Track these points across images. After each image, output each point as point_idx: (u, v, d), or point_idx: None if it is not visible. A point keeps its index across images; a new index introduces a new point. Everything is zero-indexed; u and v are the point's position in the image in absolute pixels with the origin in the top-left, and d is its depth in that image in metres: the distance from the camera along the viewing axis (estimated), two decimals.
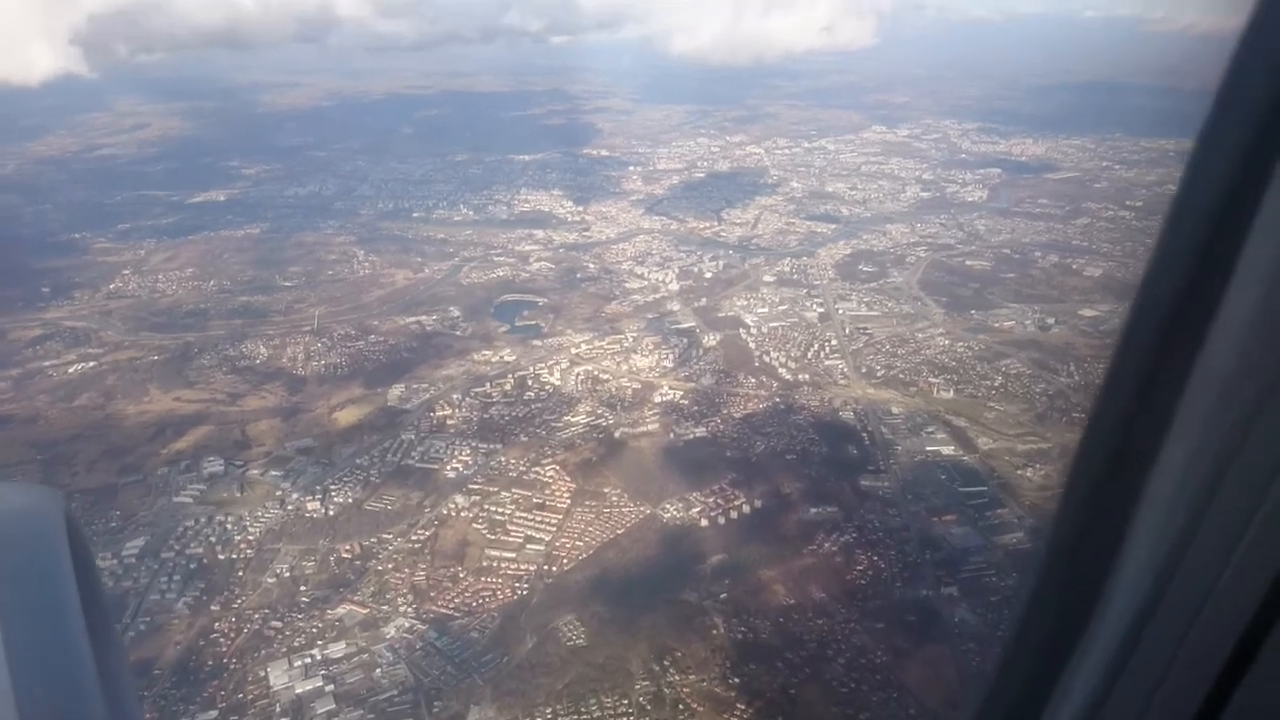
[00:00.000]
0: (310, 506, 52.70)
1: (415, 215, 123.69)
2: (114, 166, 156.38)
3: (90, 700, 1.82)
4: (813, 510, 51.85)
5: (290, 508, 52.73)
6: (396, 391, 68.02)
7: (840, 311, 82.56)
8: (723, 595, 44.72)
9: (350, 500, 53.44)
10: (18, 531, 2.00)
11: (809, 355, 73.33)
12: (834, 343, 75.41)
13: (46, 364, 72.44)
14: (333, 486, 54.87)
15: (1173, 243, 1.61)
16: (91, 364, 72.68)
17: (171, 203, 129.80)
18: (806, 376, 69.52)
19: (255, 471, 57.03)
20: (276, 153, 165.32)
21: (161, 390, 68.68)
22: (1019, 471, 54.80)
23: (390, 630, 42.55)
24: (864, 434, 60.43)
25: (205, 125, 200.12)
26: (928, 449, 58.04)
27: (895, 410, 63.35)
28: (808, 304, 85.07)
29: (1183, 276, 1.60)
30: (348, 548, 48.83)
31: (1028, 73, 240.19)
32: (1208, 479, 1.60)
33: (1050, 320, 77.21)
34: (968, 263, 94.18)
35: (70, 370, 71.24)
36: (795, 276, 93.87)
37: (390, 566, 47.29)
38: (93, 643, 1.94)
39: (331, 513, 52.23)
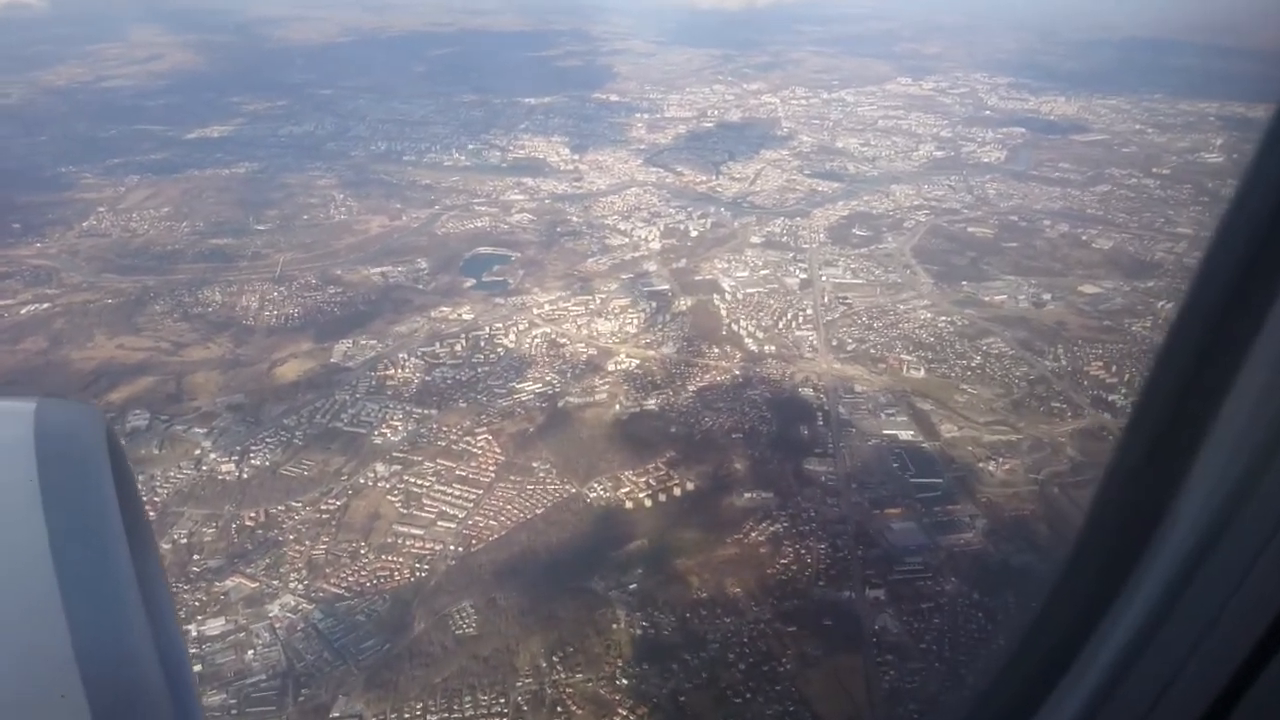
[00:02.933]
0: (225, 468, 50.55)
1: (406, 159, 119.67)
2: (117, 99, 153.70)
3: (133, 608, 1.96)
4: (746, 495, 48.53)
5: (205, 468, 50.66)
6: (343, 348, 65.38)
7: (823, 278, 77.79)
8: (632, 586, 41.88)
9: (267, 463, 51.18)
10: (64, 445, 2.15)
11: (780, 325, 69.11)
12: (809, 312, 71.01)
13: (1, 304, 70.91)
14: (254, 447, 52.61)
15: (1224, 249, 1.67)
16: (45, 305, 70.91)
17: (166, 138, 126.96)
18: (772, 348, 65.47)
19: (179, 428, 54.98)
20: (281, 89, 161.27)
21: (107, 337, 66.79)
22: (981, 464, 50.71)
23: (274, 608, 40.44)
24: (819, 413, 56.57)
25: (216, 59, 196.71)
26: (884, 433, 54.07)
27: (858, 388, 59.25)
28: (791, 269, 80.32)
29: (1230, 285, 1.66)
30: (253, 515, 46.65)
31: (1069, 25, 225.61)
32: (1240, 485, 1.68)
33: (1046, 296, 71.79)
34: (969, 229, 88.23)
35: (22, 312, 69.64)
36: (784, 238, 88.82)
37: (291, 538, 45.06)
38: (133, 553, 2.10)
39: (245, 476, 50.03)
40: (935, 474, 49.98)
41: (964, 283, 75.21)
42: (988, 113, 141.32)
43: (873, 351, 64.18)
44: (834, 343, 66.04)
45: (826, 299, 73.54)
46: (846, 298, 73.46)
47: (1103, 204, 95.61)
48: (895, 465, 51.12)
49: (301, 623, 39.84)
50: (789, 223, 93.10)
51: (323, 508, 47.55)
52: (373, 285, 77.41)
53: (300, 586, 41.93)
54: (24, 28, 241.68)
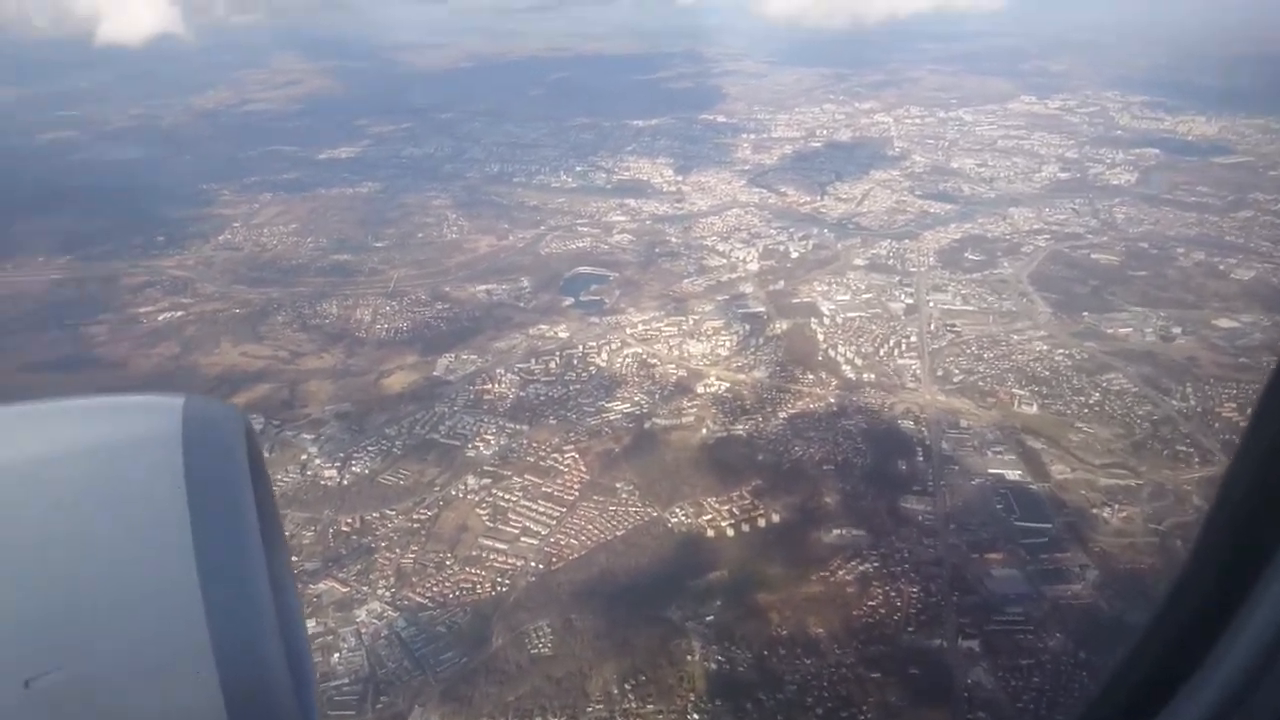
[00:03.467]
0: (327, 474, 53.16)
1: (516, 180, 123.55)
2: (257, 121, 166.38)
3: (263, 596, 2.11)
4: (836, 531, 46.77)
5: (309, 473, 53.40)
6: (445, 362, 67.72)
7: (930, 304, 74.70)
8: (709, 617, 41.02)
9: (367, 471, 53.49)
10: (208, 439, 2.27)
11: (881, 352, 66.70)
12: (913, 339, 68.23)
13: (142, 310, 77.59)
14: (356, 455, 55.13)
15: None
16: (180, 314, 77.12)
17: (298, 158, 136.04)
18: (871, 376, 63.21)
19: (289, 433, 58.27)
20: (406, 113, 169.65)
21: (232, 344, 71.82)
22: (1095, 510, 47.04)
23: (362, 614, 41.98)
24: (919, 448, 54.02)
25: (348, 84, 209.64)
26: (990, 471, 51.04)
27: (964, 423, 56.29)
28: (896, 293, 77.57)
29: None
30: (349, 520, 48.77)
31: (1211, 41, 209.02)
32: None
33: (1176, 330, 66.27)
34: (1093, 256, 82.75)
35: (160, 319, 75.95)
36: (890, 261, 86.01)
37: (383, 545, 46.78)
38: (265, 544, 2.22)
39: (346, 482, 52.45)
40: (1043, 518, 46.70)
41: (1085, 313, 70.43)
42: (1119, 132, 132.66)
43: (981, 384, 60.92)
44: (939, 373, 63.12)
45: (933, 326, 70.52)
46: (955, 325, 70.17)
47: (1244, 231, 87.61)
48: (999, 507, 48.12)
49: (386, 630, 41.15)
50: (896, 245, 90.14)
51: (415, 517, 49.16)
52: (477, 302, 79.99)
53: (388, 594, 43.39)
54: (181, 57, 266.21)
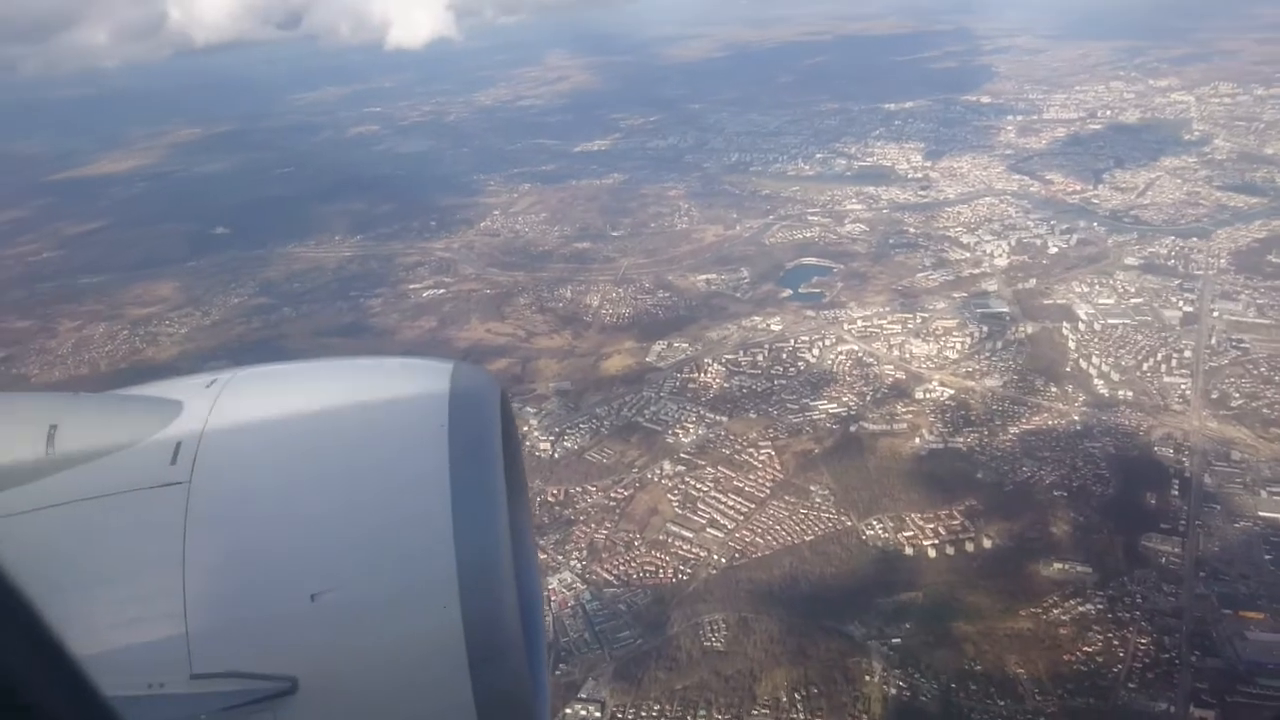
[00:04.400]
0: (542, 446, 56.96)
1: (754, 169, 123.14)
2: (526, 116, 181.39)
3: (503, 537, 2.49)
4: (1058, 565, 41.44)
5: (527, 445, 57.24)
6: (658, 348, 69.51)
7: (1215, 314, 63.20)
8: (895, 639, 38.35)
9: (576, 447, 56.57)
10: (469, 399, 2.75)
11: (1144, 367, 57.69)
12: (1187, 354, 58.24)
13: (411, 287, 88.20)
14: (568, 431, 58.55)
15: None
16: (441, 291, 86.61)
17: (557, 151, 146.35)
18: (1129, 394, 54.90)
19: (517, 405, 63.16)
20: (657, 104, 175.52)
21: (480, 321, 79.33)
22: None
23: (553, 582, 44.55)
24: (1175, 480, 46.07)
25: (610, 78, 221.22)
26: (1261, 514, 42.42)
27: (1236, 455, 47.12)
28: (1172, 299, 66.60)
29: None
30: (554, 492, 51.90)
31: None
32: None
33: None
34: None
35: (424, 295, 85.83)
36: (1170, 262, 73.84)
37: (581, 519, 49.23)
38: (512, 494, 2.69)
39: (556, 455, 55.86)
40: None
41: None
42: None
43: (1266, 411, 50.62)
44: (1214, 395, 53.27)
45: (1214, 340, 59.59)
46: (1243, 341, 58.75)
47: None
48: (1268, 558, 39.85)
49: (573, 600, 43.39)
50: (1181, 244, 77.14)
51: (612, 495, 51.20)
52: (696, 291, 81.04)
53: (579, 566, 45.66)
54: (469, 55, 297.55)
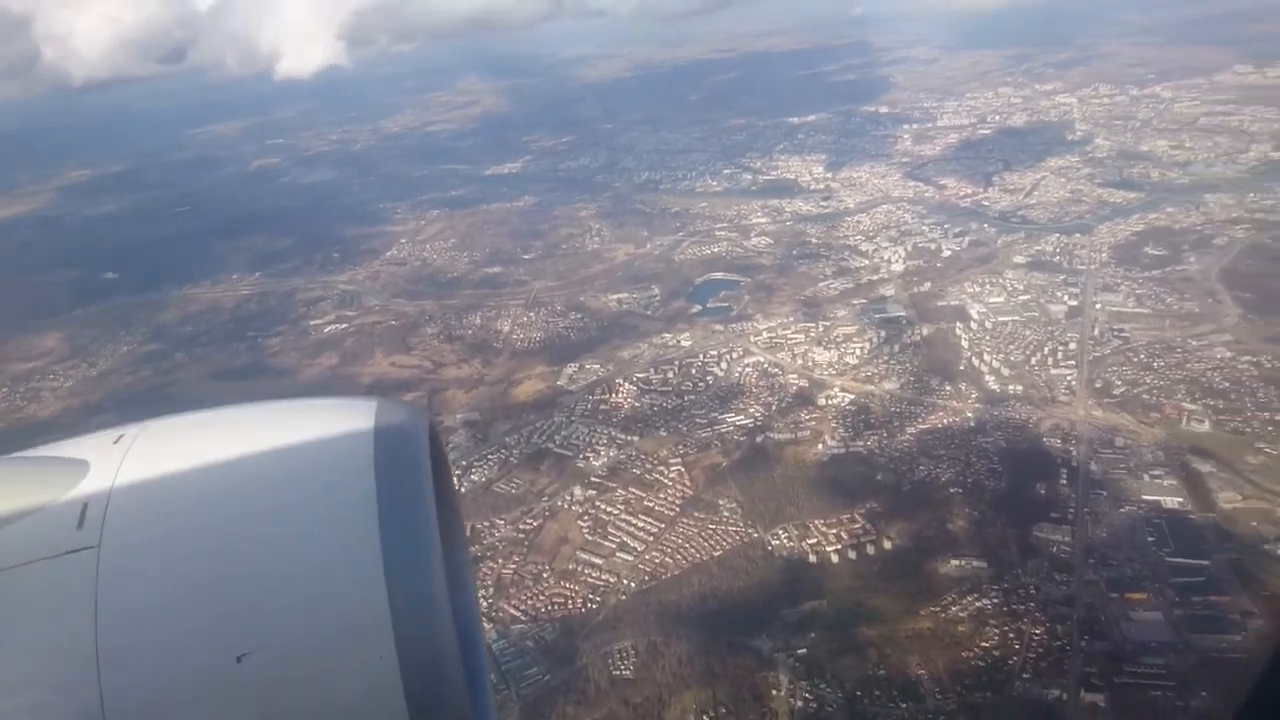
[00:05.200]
0: None
1: (663, 187, 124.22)
2: (436, 141, 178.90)
3: (439, 577, 2.36)
4: (955, 561, 42.40)
5: None
6: (570, 371, 68.99)
7: (1097, 306, 66.37)
8: (801, 650, 38.49)
9: (484, 479, 55.37)
10: (396, 435, 2.63)
11: (1033, 361, 60.06)
12: (1072, 346, 60.92)
13: (313, 323, 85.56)
14: (476, 463, 57.27)
15: None
16: (344, 326, 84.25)
17: (467, 175, 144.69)
18: (1018, 388, 56.98)
19: None
20: (569, 125, 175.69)
21: (384, 355, 77.41)
22: (1268, 546, 39.46)
23: None
24: (1064, 469, 47.90)
25: (521, 100, 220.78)
26: (1145, 498, 44.30)
27: (1120, 441, 49.31)
28: (1059, 294, 69.66)
29: None
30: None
31: None
32: None
33: None
34: None
35: (325, 330, 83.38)
36: (1056, 258, 77.43)
37: (488, 554, 48.08)
38: (445, 527, 2.55)
39: (463, 490, 54.35)
40: (1202, 554, 39.75)
41: None
42: None
43: (1146, 397, 53.12)
44: (1098, 384, 55.76)
45: (1097, 331, 62.53)
46: (1123, 330, 61.82)
47: None
48: (1151, 540, 41.52)
49: None
50: (1065, 240, 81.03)
51: (520, 527, 50.22)
52: (608, 312, 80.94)
53: (485, 604, 44.41)
54: (379, 82, 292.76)
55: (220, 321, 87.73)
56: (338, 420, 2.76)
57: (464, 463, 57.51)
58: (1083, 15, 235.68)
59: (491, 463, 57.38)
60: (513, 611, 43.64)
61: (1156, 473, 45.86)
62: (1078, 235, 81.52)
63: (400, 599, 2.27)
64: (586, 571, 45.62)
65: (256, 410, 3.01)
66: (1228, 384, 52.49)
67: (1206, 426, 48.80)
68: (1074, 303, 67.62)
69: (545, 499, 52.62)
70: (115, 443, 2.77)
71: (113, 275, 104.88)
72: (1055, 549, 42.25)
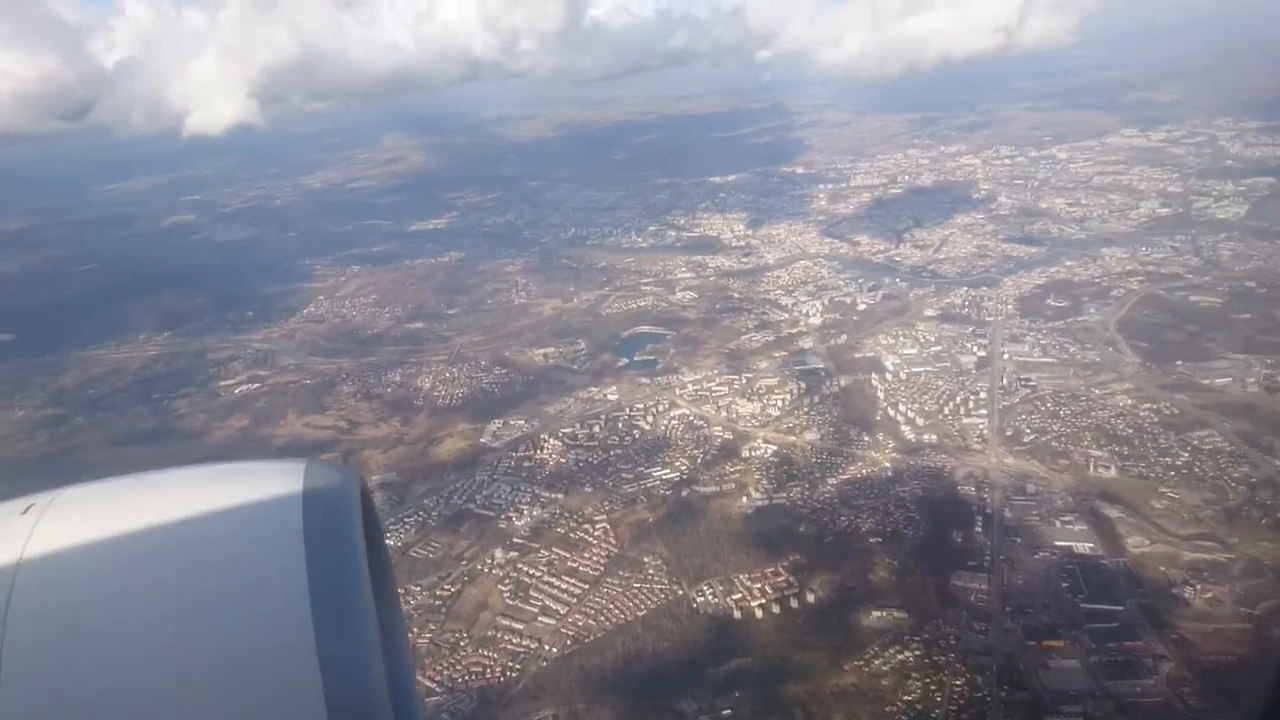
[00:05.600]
0: None
1: (590, 242, 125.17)
2: (359, 198, 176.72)
3: (372, 642, 2.30)
4: (876, 613, 42.56)
5: None
6: (493, 428, 67.63)
7: (1005, 356, 69.16)
8: (725, 711, 37.73)
9: (400, 543, 53.07)
10: (326, 497, 2.57)
11: (946, 410, 61.89)
12: (982, 395, 63.08)
13: (223, 384, 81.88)
14: (392, 527, 54.96)
15: None
16: (255, 386, 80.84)
17: (390, 231, 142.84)
18: (933, 437, 58.48)
19: None
20: (495, 183, 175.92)
21: (298, 415, 74.40)
22: (1175, 590, 40.92)
23: None
24: (978, 517, 49.03)
25: (446, 157, 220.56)
26: (1057, 544, 45.62)
27: (1031, 488, 50.88)
28: (968, 345, 72.39)
29: None
30: None
31: None
32: None
33: None
34: (1192, 298, 74.83)
35: (236, 391, 79.82)
36: (965, 310, 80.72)
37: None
38: (376, 593, 2.45)
39: None
40: (1114, 599, 40.96)
41: (1178, 362, 63.29)
42: (1229, 163, 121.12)
43: (1054, 444, 55.22)
44: (1008, 432, 57.73)
45: (1006, 380, 65.03)
46: (1030, 379, 64.48)
47: None
48: (1065, 585, 42.63)
49: None
50: (973, 293, 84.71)
51: (438, 593, 48.21)
52: (534, 366, 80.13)
53: None
54: (305, 139, 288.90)
55: (124, 384, 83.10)
56: (265, 483, 2.67)
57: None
58: (977, 82, 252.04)
59: (409, 526, 55.30)
60: (428, 684, 41.40)
61: (1067, 518, 47.36)
62: (985, 288, 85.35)
63: (334, 676, 2.16)
64: (507, 638, 43.95)
65: (179, 475, 2.86)
66: (1130, 430, 55.07)
67: (1113, 472, 50.90)
68: (983, 353, 70.37)
69: (464, 563, 50.82)
70: (23, 513, 2.59)
71: (8, 336, 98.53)
72: (973, 597, 42.89)
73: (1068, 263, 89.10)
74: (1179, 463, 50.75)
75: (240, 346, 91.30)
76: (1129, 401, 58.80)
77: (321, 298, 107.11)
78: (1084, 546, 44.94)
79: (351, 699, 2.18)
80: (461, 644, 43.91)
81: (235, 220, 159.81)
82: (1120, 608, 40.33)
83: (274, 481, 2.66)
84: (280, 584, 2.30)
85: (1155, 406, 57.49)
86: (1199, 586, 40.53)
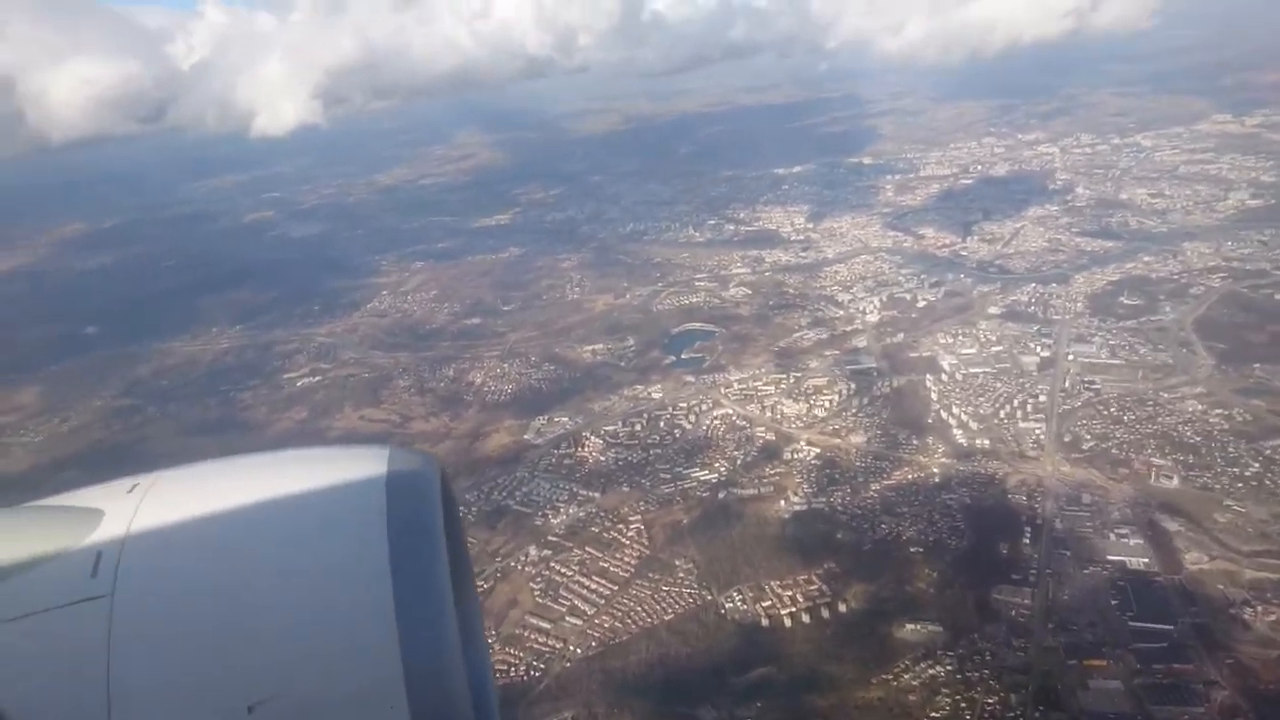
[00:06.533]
0: None
1: (647, 238, 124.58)
2: (427, 194, 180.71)
3: (449, 621, 2.40)
4: (910, 625, 40.82)
5: None
6: (537, 424, 68.00)
7: (1070, 357, 65.51)
8: None
9: None
10: (408, 482, 2.72)
11: (1001, 414, 59.00)
12: (1042, 399, 59.88)
13: (286, 376, 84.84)
14: None
15: None
16: (318, 379, 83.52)
17: (455, 228, 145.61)
18: (985, 442, 55.82)
19: None
20: (559, 178, 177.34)
21: (354, 409, 76.50)
22: (1234, 610, 37.85)
23: None
24: (1028, 528, 46.48)
25: (515, 154, 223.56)
26: (1110, 558, 42.86)
27: (1086, 498, 47.95)
28: (1031, 345, 68.88)
29: None
30: None
31: None
32: None
33: None
34: (1277, 297, 69.00)
35: (299, 384, 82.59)
36: (1031, 309, 76.82)
37: None
38: (454, 577, 2.54)
39: None
40: (1167, 618, 38.16)
41: (1256, 365, 58.72)
42: None
43: (1115, 452, 51.90)
44: (1067, 438, 54.59)
45: (1068, 383, 61.57)
46: (1094, 382, 60.84)
47: None
48: (1114, 602, 39.98)
49: None
50: (1041, 290, 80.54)
51: None
52: (582, 363, 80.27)
53: None
54: (380, 135, 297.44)
55: (195, 376, 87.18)
56: (349, 467, 2.80)
57: None
58: (1066, 67, 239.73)
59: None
60: None
61: (1123, 531, 44.45)
62: (1054, 285, 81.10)
63: (413, 650, 2.26)
64: (533, 637, 44.02)
65: (269, 459, 3.08)
66: (1198, 438, 51.35)
67: (1175, 482, 47.53)
68: (1046, 354, 66.83)
69: (499, 559, 51.16)
70: (129, 492, 2.78)
71: (93, 329, 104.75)
72: (1015, 612, 40.71)
73: (1145, 258, 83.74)
74: (1248, 474, 47.01)
75: (306, 340, 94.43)
76: (1199, 407, 54.82)
77: (385, 293, 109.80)
78: (1138, 561, 42.10)
79: (431, 678, 2.26)
80: (488, 641, 44.13)
81: (310, 217, 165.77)
82: (1171, 627, 37.58)
83: (359, 465, 2.79)
84: (363, 564, 2.41)
85: (1227, 412, 53.39)
86: (1260, 608, 37.44)
